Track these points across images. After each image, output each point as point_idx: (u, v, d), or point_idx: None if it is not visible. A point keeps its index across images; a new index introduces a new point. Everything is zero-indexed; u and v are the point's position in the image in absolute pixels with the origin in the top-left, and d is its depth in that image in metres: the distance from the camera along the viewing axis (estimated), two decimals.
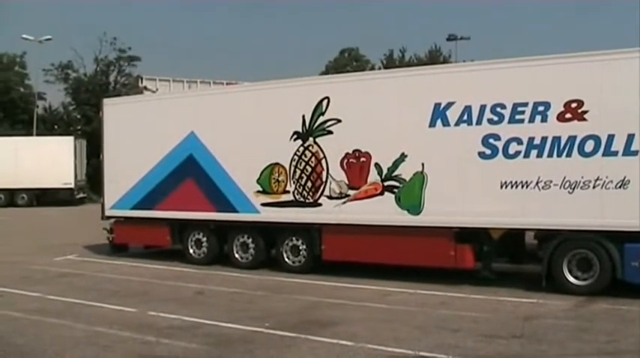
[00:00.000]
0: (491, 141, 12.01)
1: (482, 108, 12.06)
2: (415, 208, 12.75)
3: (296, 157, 14.09)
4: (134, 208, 16.52)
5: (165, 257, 16.57)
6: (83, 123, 48.44)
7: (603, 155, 11.11)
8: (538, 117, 11.60)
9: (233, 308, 10.97)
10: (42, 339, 9.01)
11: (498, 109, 11.93)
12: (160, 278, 14.06)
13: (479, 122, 12.12)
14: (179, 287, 13.00)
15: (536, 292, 11.51)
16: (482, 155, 12.11)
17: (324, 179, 13.77)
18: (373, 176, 13.18)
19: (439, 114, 12.49)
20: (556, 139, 11.45)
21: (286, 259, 14.46)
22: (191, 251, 15.93)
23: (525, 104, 11.70)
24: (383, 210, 13.03)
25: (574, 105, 11.32)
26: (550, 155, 11.52)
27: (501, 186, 11.91)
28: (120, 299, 11.69)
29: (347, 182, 13.51)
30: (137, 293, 12.36)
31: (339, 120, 13.58)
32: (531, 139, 11.65)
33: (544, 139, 11.54)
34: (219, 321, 9.87)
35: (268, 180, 14.44)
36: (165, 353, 8.30)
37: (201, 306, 11.21)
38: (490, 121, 12.02)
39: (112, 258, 16.99)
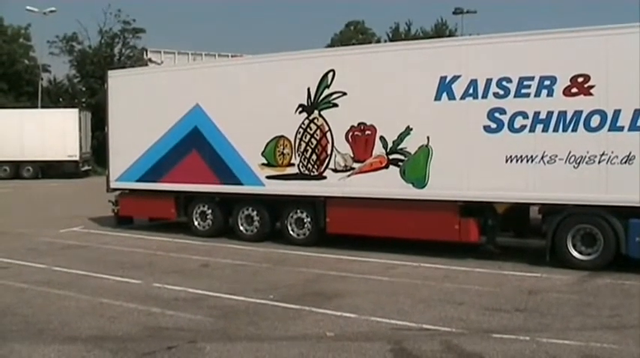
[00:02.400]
0: (496, 115, 11.96)
1: (489, 82, 11.99)
2: (420, 181, 12.75)
3: (301, 130, 14.07)
4: (139, 180, 16.56)
5: (170, 229, 16.63)
6: (88, 95, 48.43)
7: (609, 130, 11.05)
8: (544, 92, 11.53)
9: (238, 281, 11.04)
10: (48, 310, 9.09)
11: (504, 83, 11.87)
12: (165, 250, 14.13)
13: (485, 96, 12.06)
14: (184, 260, 13.07)
15: (540, 266, 11.53)
16: (487, 129, 12.06)
17: (329, 152, 13.76)
18: (378, 149, 13.17)
19: (445, 87, 12.43)
20: (562, 114, 11.40)
21: (291, 232, 14.51)
22: (196, 223, 15.98)
23: (531, 78, 11.62)
24: (388, 183, 13.04)
25: (580, 79, 11.24)
26: (556, 130, 11.47)
27: (506, 161, 11.89)
28: (125, 271, 11.75)
29: (352, 155, 13.49)
30: (142, 265, 12.43)
31: (344, 93, 13.53)
32: (537, 114, 11.59)
33: (550, 114, 11.49)
34: (223, 293, 9.94)
35: (273, 152, 14.43)
36: (170, 325, 8.36)
37: (206, 278, 11.27)
38: (496, 95, 11.96)
39: (117, 230, 17.04)
